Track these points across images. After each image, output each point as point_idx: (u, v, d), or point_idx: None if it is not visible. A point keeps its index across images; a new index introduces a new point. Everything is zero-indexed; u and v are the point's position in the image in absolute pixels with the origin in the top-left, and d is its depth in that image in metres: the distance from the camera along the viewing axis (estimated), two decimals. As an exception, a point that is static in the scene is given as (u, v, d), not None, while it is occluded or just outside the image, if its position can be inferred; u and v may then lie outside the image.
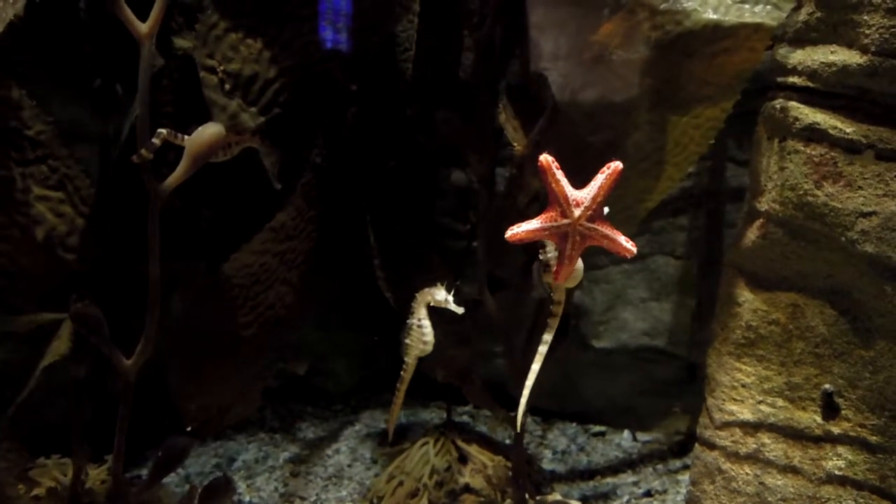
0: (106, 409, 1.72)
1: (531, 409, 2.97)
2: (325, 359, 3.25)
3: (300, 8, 1.47)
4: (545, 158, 1.07)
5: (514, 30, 1.59)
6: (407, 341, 1.47)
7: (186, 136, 1.40)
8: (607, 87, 1.50)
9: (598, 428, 2.88)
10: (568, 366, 2.86)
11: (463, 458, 2.35)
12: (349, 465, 2.69)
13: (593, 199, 1.09)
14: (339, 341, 3.22)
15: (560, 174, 1.08)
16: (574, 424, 2.92)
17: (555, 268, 1.17)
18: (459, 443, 2.36)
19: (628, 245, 1.13)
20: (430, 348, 1.47)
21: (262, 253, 1.60)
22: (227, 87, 1.42)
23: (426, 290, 1.45)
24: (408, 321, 1.47)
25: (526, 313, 1.92)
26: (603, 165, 1.09)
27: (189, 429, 1.61)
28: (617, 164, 1.08)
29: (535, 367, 1.35)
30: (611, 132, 1.51)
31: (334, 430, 2.97)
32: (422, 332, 1.45)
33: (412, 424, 3.00)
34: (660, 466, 2.58)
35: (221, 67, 1.42)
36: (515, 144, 1.46)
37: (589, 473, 2.60)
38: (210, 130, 1.36)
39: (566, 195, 1.09)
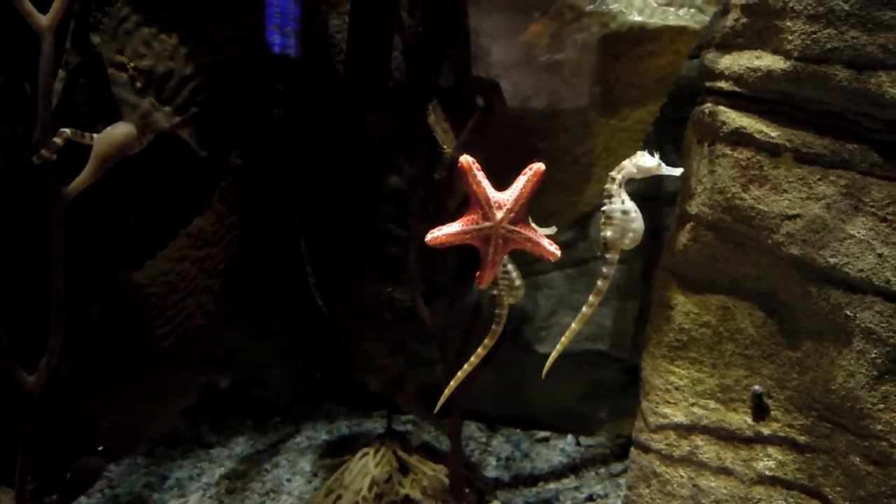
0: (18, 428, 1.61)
1: (475, 416, 2.96)
2: (265, 369, 3.16)
3: (219, 3, 1.41)
4: (465, 159, 1.04)
5: (444, 30, 1.56)
6: (494, 292, 1.29)
7: (96, 136, 1.32)
8: (544, 91, 1.49)
9: (542, 433, 2.88)
10: (512, 371, 2.84)
11: (404, 469, 2.30)
12: (288, 480, 2.61)
13: (515, 201, 1.07)
14: (280, 351, 3.14)
15: (481, 176, 1.05)
16: (518, 430, 2.92)
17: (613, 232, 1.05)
18: (400, 453, 2.32)
19: (552, 248, 1.11)
20: (522, 293, 1.30)
21: (179, 260, 1.52)
22: (139, 84, 1.34)
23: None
24: None
25: (461, 319, 1.89)
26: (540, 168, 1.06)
27: (101, 448, 1.51)
28: (539, 166, 1.06)
29: (588, 308, 1.24)
30: (542, 136, 1.50)
31: (273, 444, 2.88)
32: (509, 279, 1.27)
33: (355, 435, 2.94)
34: (602, 470, 2.59)
35: (132, 64, 1.34)
36: (445, 147, 1.43)
37: (532, 480, 2.59)
38: (119, 130, 1.28)
39: (488, 197, 1.06)
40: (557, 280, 2.77)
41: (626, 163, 1.22)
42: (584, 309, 1.25)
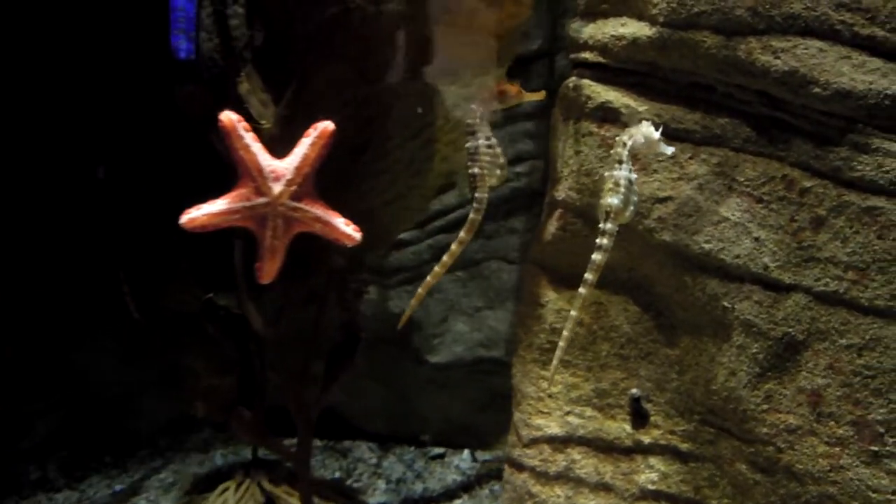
0: None
1: (365, 435, 2.72)
2: (132, 396, 2.82)
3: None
4: (227, 117, 0.81)
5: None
6: (475, 170, 1.09)
7: None
8: (371, 54, 1.27)
9: (437, 450, 2.69)
10: (402, 385, 2.63)
11: (270, 502, 2.03)
12: (145, 522, 2.29)
13: (297, 170, 0.84)
14: (148, 376, 2.80)
15: (250, 138, 0.82)
16: (413, 448, 2.70)
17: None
18: (265, 484, 2.05)
19: (348, 230, 0.89)
20: (506, 173, 1.12)
21: None
22: None
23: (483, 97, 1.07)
24: (469, 145, 1.08)
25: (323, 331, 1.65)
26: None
27: None
28: (326, 124, 0.84)
29: (586, 289, 1.09)
30: (373, 107, 1.29)
31: (134, 482, 2.54)
32: (494, 153, 1.10)
33: (230, 465, 2.63)
34: (496, 487, 2.42)
35: None
36: (262, 121, 1.20)
37: (423, 502, 2.37)
38: None
39: (259, 166, 0.83)
40: (447, 283, 2.58)
41: (633, 130, 1.13)
42: (582, 289, 1.08)
